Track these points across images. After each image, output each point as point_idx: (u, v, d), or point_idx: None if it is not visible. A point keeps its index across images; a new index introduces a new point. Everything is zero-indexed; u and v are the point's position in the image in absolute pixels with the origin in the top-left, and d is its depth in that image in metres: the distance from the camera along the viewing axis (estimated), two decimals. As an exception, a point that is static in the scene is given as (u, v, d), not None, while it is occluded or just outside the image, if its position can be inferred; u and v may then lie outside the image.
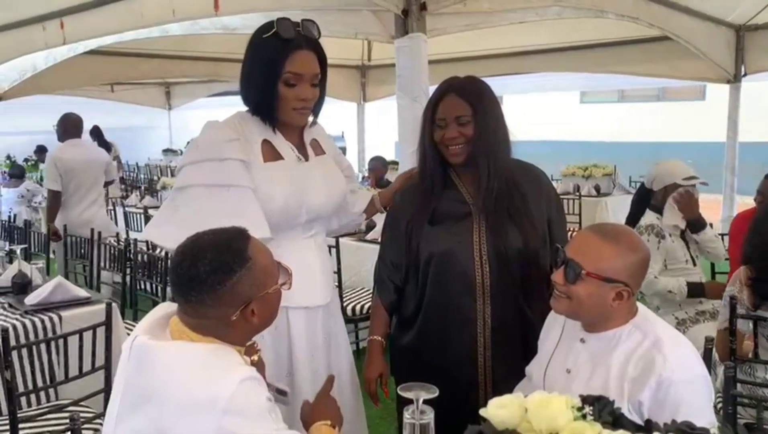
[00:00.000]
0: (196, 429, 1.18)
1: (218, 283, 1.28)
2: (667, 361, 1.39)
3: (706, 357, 2.00)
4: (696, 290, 3.18)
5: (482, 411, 0.96)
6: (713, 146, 7.14)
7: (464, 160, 1.86)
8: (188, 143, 10.02)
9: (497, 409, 0.93)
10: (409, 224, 1.93)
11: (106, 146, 9.22)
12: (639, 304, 1.56)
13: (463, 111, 1.83)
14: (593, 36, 6.20)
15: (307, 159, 1.91)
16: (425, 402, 1.29)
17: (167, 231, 1.76)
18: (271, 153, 1.83)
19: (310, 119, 1.94)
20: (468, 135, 1.83)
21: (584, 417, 0.91)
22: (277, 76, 1.76)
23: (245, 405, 1.21)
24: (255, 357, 1.43)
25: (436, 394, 1.28)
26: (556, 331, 1.64)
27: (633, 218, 3.43)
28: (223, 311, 1.30)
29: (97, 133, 9.75)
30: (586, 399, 0.95)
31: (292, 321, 1.85)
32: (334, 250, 3.85)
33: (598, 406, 0.94)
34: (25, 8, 4.68)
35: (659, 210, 3.30)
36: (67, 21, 4.58)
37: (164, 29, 4.43)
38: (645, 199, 3.42)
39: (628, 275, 1.47)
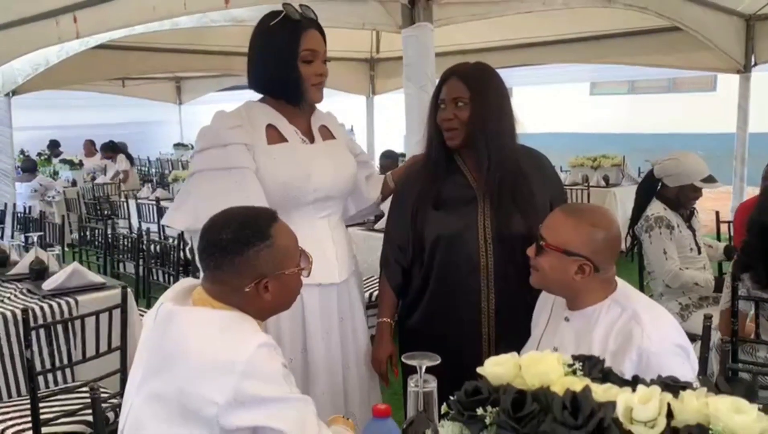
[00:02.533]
0: (215, 389, 1.25)
1: (235, 252, 1.37)
2: (645, 332, 1.43)
3: (705, 336, 2.04)
4: (722, 284, 3.04)
5: (479, 369, 1.01)
6: (724, 137, 7.12)
7: (461, 143, 1.90)
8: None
9: (493, 367, 0.98)
10: (414, 207, 1.97)
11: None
12: (618, 280, 1.60)
13: (460, 93, 1.87)
14: (602, 27, 6.18)
15: (313, 141, 1.97)
16: (428, 370, 1.33)
17: (179, 214, 1.90)
18: (275, 136, 1.90)
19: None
20: (463, 118, 1.87)
21: (574, 373, 0.96)
22: (296, 56, 1.85)
23: (262, 369, 1.28)
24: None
25: (438, 361, 1.32)
26: (546, 312, 1.71)
27: (639, 208, 3.38)
28: (238, 280, 1.38)
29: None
30: (577, 358, 1.00)
31: (306, 298, 1.88)
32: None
33: (589, 364, 0.99)
34: (39, 3, 4.75)
35: (669, 201, 3.26)
36: (80, 15, 4.65)
37: (175, 22, 4.49)
38: (652, 189, 3.35)
39: (589, 250, 1.52)
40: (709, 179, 3.23)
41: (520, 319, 1.90)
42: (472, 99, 1.86)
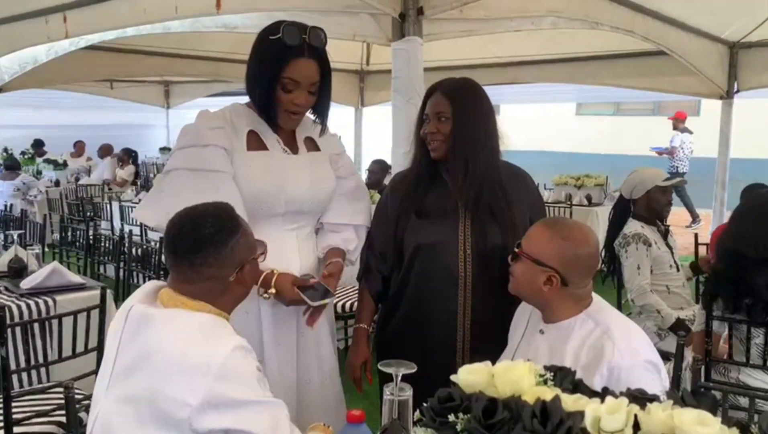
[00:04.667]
0: (188, 391, 1.25)
1: (221, 243, 1.40)
2: (616, 348, 1.45)
3: (678, 354, 2.07)
4: (679, 329, 3.07)
5: (453, 377, 1.02)
6: (707, 161, 7.23)
7: (443, 155, 1.94)
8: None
9: (466, 374, 1.00)
10: (397, 214, 1.99)
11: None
12: (594, 295, 1.63)
13: (443, 108, 1.92)
14: (589, 48, 6.28)
15: (296, 153, 1.95)
16: (404, 379, 1.35)
17: (151, 210, 1.87)
18: (256, 143, 1.89)
19: (317, 121, 1.99)
20: (444, 131, 1.91)
21: (545, 382, 0.98)
22: (275, 80, 1.82)
23: (236, 372, 1.28)
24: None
25: (415, 369, 1.34)
26: (523, 324, 1.74)
27: (614, 229, 3.43)
28: (224, 271, 1.41)
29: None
30: (549, 368, 1.02)
31: (262, 308, 1.86)
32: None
33: (560, 375, 1.01)
34: (29, 1, 4.74)
35: (644, 218, 3.35)
36: (70, 15, 4.64)
37: (166, 26, 4.50)
38: (625, 210, 3.45)
39: (558, 262, 1.55)
40: (670, 179, 3.36)
41: (496, 331, 1.91)
42: (454, 114, 1.90)
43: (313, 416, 1.94)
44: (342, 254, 2.01)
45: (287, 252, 1.90)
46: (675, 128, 9.65)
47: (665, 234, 3.39)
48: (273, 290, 1.77)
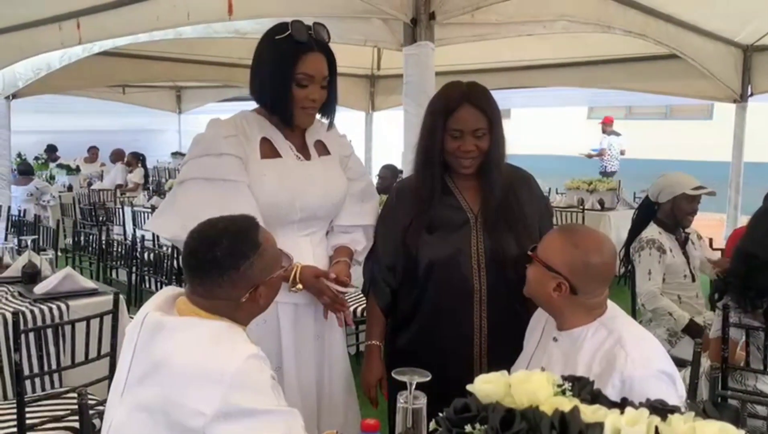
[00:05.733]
0: (202, 399, 1.24)
1: (232, 267, 1.38)
2: (629, 357, 1.43)
3: (695, 361, 2.05)
4: (693, 331, 3.07)
5: (469, 386, 1.01)
6: (719, 165, 7.18)
7: (474, 171, 1.90)
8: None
9: (483, 384, 0.99)
10: (405, 229, 1.94)
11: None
12: (609, 302, 1.61)
13: (481, 124, 1.84)
14: (601, 52, 6.25)
15: (308, 159, 1.95)
16: (418, 387, 1.34)
17: (165, 221, 1.87)
18: (269, 150, 1.89)
19: (324, 120, 2.00)
20: (483, 148, 1.86)
21: (563, 393, 0.97)
22: (290, 78, 1.82)
23: (250, 380, 1.28)
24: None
25: (429, 377, 1.33)
26: (538, 331, 1.72)
27: (635, 231, 3.41)
28: (235, 293, 1.39)
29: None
30: (567, 378, 1.00)
31: (281, 316, 1.87)
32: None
33: (578, 385, 1.00)
34: (42, 8, 4.78)
35: (665, 224, 3.30)
36: (84, 21, 4.68)
37: (178, 32, 4.52)
38: (649, 212, 3.41)
39: (567, 270, 1.54)
40: (700, 188, 3.29)
41: (511, 341, 1.88)
42: (490, 128, 1.85)
43: (332, 419, 1.95)
44: (349, 253, 2.01)
45: (302, 258, 1.89)
46: (603, 131, 11.00)
47: (684, 242, 3.35)
48: (300, 286, 1.81)
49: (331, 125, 2.03)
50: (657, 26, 4.80)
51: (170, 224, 1.82)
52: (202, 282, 1.39)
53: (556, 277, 1.54)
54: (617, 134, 10.91)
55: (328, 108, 1.98)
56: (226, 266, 1.37)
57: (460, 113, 1.84)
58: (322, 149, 2.02)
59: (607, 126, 11.02)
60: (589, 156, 11.13)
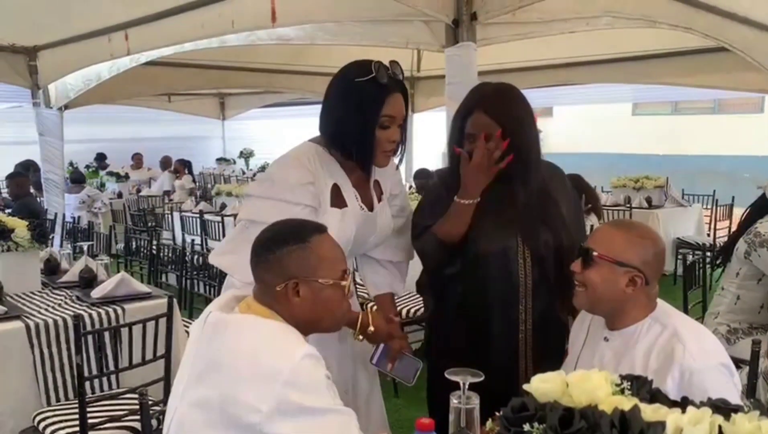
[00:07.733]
0: (258, 397, 1.27)
1: (270, 250, 1.44)
2: (687, 350, 1.42)
3: (753, 361, 2.00)
4: None
5: (526, 386, 1.01)
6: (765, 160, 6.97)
7: (499, 173, 1.90)
8: (262, 168, 10.53)
9: (540, 383, 0.99)
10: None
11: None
12: (658, 299, 1.60)
13: (491, 131, 1.85)
14: (645, 46, 6.13)
15: (371, 210, 1.95)
16: (471, 387, 1.34)
17: (238, 261, 1.73)
18: (337, 199, 1.88)
19: (395, 160, 2.00)
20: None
21: (622, 392, 0.96)
22: (375, 121, 1.81)
23: (305, 379, 1.30)
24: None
25: (482, 378, 1.33)
26: (583, 332, 1.71)
27: (749, 221, 3.11)
28: (270, 277, 1.43)
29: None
30: (625, 377, 1.00)
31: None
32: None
33: (637, 384, 0.99)
34: (93, 21, 4.94)
35: None
36: (131, 33, 4.83)
37: (223, 40, 4.62)
38: (764, 210, 3.11)
39: (640, 261, 1.52)
40: None
41: (554, 337, 1.96)
42: (504, 136, 1.84)
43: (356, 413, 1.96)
44: (392, 299, 2.11)
45: None
46: None
47: None
48: (372, 328, 1.85)
49: (400, 163, 2.04)
50: (703, 18, 4.68)
51: (241, 266, 1.64)
52: (255, 267, 1.47)
53: (630, 271, 1.52)
54: (539, 130, 10.50)
55: (400, 146, 1.95)
56: (266, 247, 1.45)
57: (473, 119, 1.89)
58: (378, 189, 2.01)
59: None
60: None
